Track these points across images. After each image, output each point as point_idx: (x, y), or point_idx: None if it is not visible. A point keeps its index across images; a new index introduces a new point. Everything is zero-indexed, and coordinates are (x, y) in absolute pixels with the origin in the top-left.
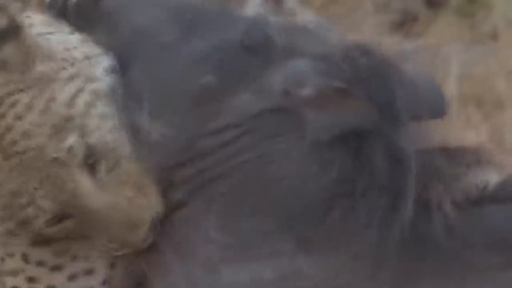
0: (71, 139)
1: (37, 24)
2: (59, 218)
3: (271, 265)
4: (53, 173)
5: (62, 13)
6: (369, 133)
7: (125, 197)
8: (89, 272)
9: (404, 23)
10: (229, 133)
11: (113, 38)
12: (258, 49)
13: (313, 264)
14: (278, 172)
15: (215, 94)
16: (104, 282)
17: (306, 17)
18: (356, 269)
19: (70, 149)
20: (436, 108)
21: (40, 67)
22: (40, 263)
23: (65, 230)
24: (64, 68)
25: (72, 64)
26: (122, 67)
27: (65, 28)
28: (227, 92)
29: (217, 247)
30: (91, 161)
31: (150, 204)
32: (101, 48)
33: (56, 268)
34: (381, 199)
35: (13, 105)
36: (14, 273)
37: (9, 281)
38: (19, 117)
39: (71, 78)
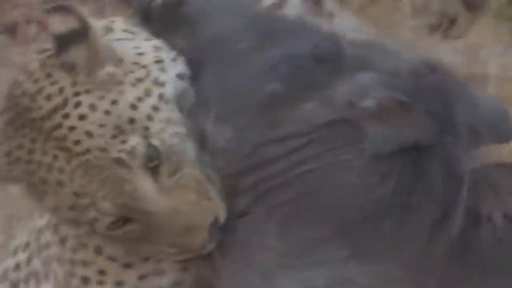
0: (134, 141)
1: (117, 30)
2: (122, 221)
3: (323, 272)
4: (114, 174)
5: (145, 17)
6: (428, 146)
7: (186, 201)
8: (160, 273)
9: (442, 26)
10: (293, 142)
11: (191, 43)
12: (327, 60)
13: (363, 272)
14: (338, 182)
15: (281, 101)
16: (174, 284)
17: (344, 18)
18: (403, 277)
19: (132, 150)
20: (501, 132)
21: (108, 69)
22: (112, 258)
23: (129, 234)
24: (132, 72)
25: (141, 68)
26: (195, 72)
27: (143, 34)
28: (293, 101)
29: (274, 254)
30: (153, 164)
31: (211, 208)
32: (176, 53)
33: (127, 266)
34: (434, 210)
35: (77, 105)
36: (85, 263)
37: (80, 271)
38: (82, 117)
39: (139, 81)
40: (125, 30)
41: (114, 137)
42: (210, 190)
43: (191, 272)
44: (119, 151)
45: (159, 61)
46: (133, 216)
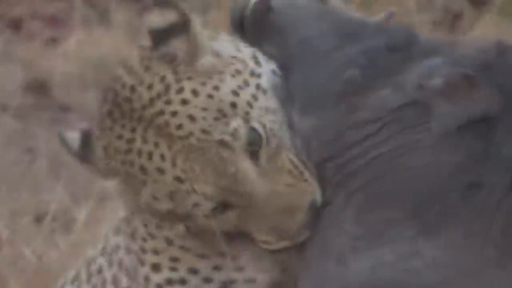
0: (236, 123)
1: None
2: (222, 207)
3: (393, 249)
4: (217, 156)
5: (238, 26)
6: (495, 118)
7: (284, 183)
8: (236, 268)
9: (447, 22)
10: (368, 127)
11: (281, 51)
12: (399, 49)
13: (430, 245)
14: (409, 163)
15: (357, 89)
16: (249, 281)
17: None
18: (465, 245)
19: (234, 132)
20: None
21: (209, 59)
22: (184, 248)
23: (227, 223)
24: (231, 64)
25: (239, 61)
26: (284, 75)
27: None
28: (367, 88)
29: (349, 239)
30: (253, 148)
31: (309, 190)
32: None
33: (201, 256)
34: (504, 179)
35: (179, 91)
36: (156, 251)
37: (150, 258)
38: (185, 102)
39: (238, 72)
40: (220, 33)
41: (216, 119)
42: (306, 173)
43: (268, 272)
44: (222, 133)
45: (254, 57)
46: (233, 201)
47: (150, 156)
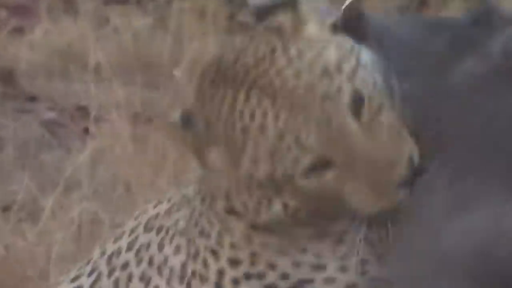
0: (340, 81)
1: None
2: (320, 167)
3: (484, 214)
4: (320, 110)
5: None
6: None
7: (385, 139)
8: (317, 267)
9: (413, 8)
10: (460, 94)
11: (376, 50)
12: (483, 21)
13: None
14: (503, 126)
15: (446, 59)
16: (328, 280)
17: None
18: None
19: (338, 89)
20: None
21: (314, 30)
22: (262, 244)
23: (324, 186)
24: (334, 38)
25: (340, 37)
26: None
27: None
28: (455, 59)
29: (439, 207)
30: (356, 105)
31: (408, 145)
32: None
33: (281, 252)
34: None
35: (285, 51)
36: (235, 246)
37: (227, 253)
38: (290, 61)
39: (340, 44)
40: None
41: (321, 76)
42: (405, 132)
43: (347, 272)
44: (327, 88)
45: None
46: (333, 157)
47: (252, 115)
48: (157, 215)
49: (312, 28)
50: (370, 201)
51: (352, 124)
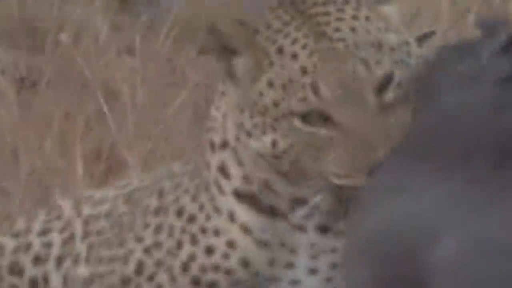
0: (383, 57)
1: None
2: (321, 118)
3: (409, 197)
4: (352, 71)
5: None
6: None
7: (388, 127)
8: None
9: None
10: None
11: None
12: (486, 28)
13: (436, 189)
14: (454, 116)
15: (442, 64)
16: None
17: None
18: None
19: (378, 61)
20: None
21: (387, 10)
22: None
23: (314, 137)
24: (395, 26)
25: (400, 28)
26: None
27: None
28: (450, 63)
29: (377, 188)
30: (385, 84)
31: (395, 139)
32: None
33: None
34: None
35: (355, 9)
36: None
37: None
38: (355, 17)
39: (398, 31)
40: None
41: (372, 46)
42: (402, 131)
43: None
44: (370, 55)
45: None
46: (337, 116)
47: (294, 41)
48: (139, 188)
49: (389, 10)
50: (345, 171)
51: (371, 97)
